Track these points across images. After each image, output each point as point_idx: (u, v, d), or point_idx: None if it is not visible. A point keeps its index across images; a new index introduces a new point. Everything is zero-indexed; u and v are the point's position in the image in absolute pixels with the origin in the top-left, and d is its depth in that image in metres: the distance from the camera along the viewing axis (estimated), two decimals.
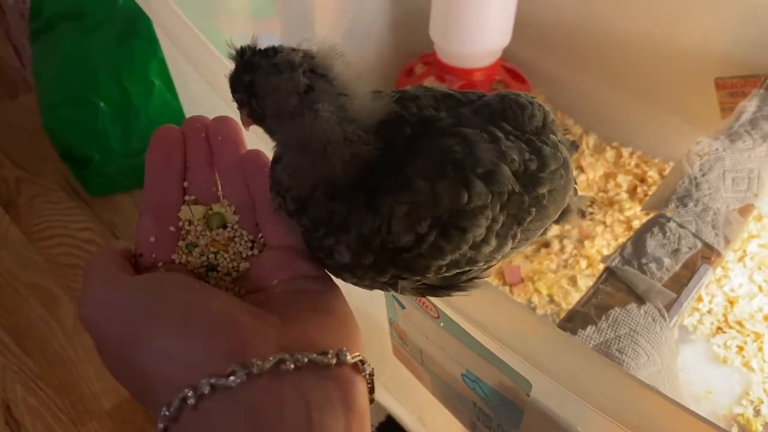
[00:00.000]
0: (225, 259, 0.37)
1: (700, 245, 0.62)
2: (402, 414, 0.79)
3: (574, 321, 0.54)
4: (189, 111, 0.92)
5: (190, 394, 0.27)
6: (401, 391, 0.76)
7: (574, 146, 0.43)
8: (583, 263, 0.88)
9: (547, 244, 0.91)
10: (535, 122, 0.38)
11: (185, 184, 0.38)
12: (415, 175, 0.33)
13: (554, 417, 0.43)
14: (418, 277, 0.35)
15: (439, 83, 1.05)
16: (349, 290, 0.37)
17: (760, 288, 0.83)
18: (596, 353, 0.38)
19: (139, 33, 1.08)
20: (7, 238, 1.12)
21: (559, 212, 0.40)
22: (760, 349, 0.78)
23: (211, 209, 0.38)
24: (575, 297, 0.84)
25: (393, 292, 0.38)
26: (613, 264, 0.60)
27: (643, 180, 0.99)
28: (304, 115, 0.31)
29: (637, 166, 1.02)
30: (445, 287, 0.37)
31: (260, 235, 0.38)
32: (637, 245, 0.62)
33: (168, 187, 0.37)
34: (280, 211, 0.36)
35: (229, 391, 0.27)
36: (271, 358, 0.28)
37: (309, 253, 0.36)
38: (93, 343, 0.32)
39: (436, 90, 0.38)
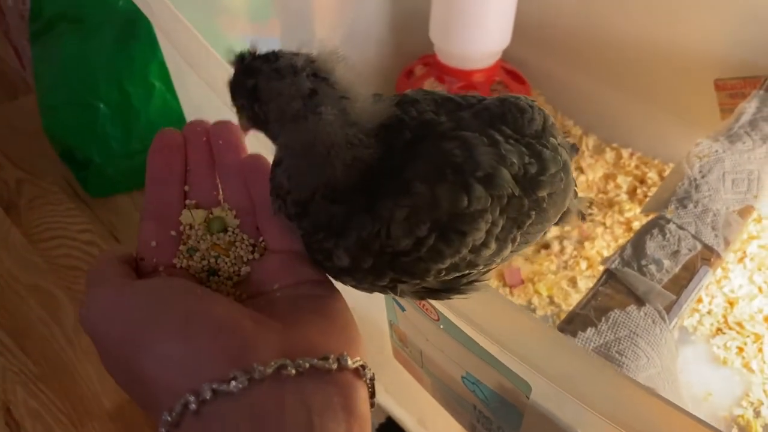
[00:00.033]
0: (226, 263, 0.37)
1: (699, 247, 0.62)
2: (402, 415, 0.79)
3: (573, 323, 0.54)
4: (189, 112, 0.92)
5: (192, 399, 0.27)
6: (401, 393, 0.76)
7: (574, 149, 0.43)
8: (583, 264, 0.88)
9: (547, 246, 0.91)
10: (534, 126, 0.38)
11: (186, 188, 0.38)
12: (415, 178, 0.33)
13: (554, 419, 0.43)
14: (418, 281, 0.35)
15: (439, 84, 1.05)
16: (349, 292, 0.37)
17: (760, 289, 0.83)
18: (595, 356, 0.38)
19: (139, 35, 1.08)
20: (8, 240, 1.13)
21: (559, 215, 0.40)
22: (760, 351, 0.78)
23: (211, 213, 0.38)
24: (575, 298, 0.84)
25: (393, 295, 0.38)
26: (613, 266, 0.60)
27: (642, 181, 1.00)
28: (307, 118, 0.31)
29: (636, 167, 1.02)
30: (445, 290, 0.37)
31: (261, 239, 0.38)
32: (636, 247, 0.62)
33: (169, 191, 0.38)
34: (279, 213, 0.36)
35: (231, 396, 0.27)
36: (272, 364, 0.28)
37: (309, 256, 0.36)
38: (93, 345, 0.32)
39: (436, 94, 0.38)
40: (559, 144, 0.39)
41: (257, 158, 0.38)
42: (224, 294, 0.36)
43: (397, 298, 0.49)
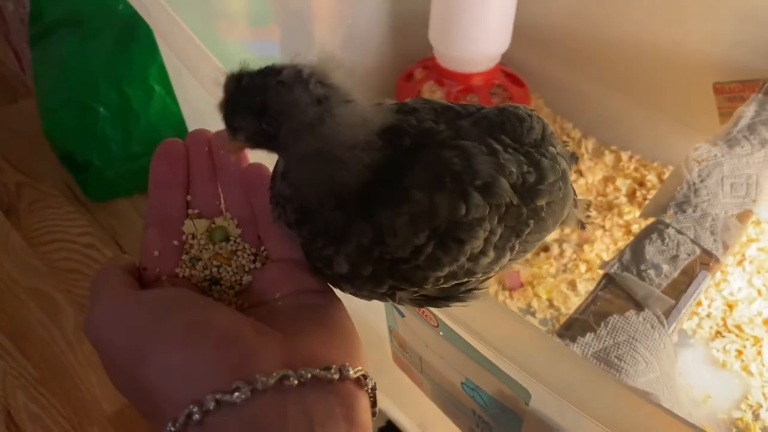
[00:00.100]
0: (228, 272, 0.37)
1: (698, 251, 0.63)
2: (402, 419, 0.79)
3: (573, 329, 0.54)
4: (188, 116, 0.92)
5: (195, 410, 0.27)
6: (402, 397, 0.76)
7: (573, 158, 0.43)
8: (583, 267, 0.88)
9: (546, 249, 0.91)
10: (533, 135, 0.38)
11: (188, 197, 0.39)
12: (414, 186, 0.33)
13: (553, 426, 0.44)
14: (416, 289, 0.35)
15: (438, 87, 1.05)
16: (349, 297, 0.37)
17: (759, 292, 0.83)
18: (593, 363, 0.39)
19: (138, 38, 1.08)
20: (8, 243, 1.13)
21: (558, 224, 0.40)
22: (759, 353, 0.78)
23: (214, 223, 0.38)
24: (575, 301, 0.84)
25: (392, 303, 0.38)
26: (612, 270, 0.60)
27: (642, 184, 1.00)
28: (324, 122, 0.31)
29: (636, 169, 1.02)
30: (444, 298, 0.38)
31: (263, 248, 0.38)
32: (635, 251, 0.62)
33: (172, 201, 0.38)
34: (279, 221, 0.36)
35: (234, 407, 0.28)
36: (274, 374, 0.28)
37: (308, 264, 0.36)
38: (93, 349, 0.32)
39: (435, 102, 0.39)
40: (557, 153, 0.39)
41: (258, 167, 0.38)
42: (226, 303, 0.36)
43: (396, 304, 0.49)
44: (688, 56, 0.94)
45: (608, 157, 1.04)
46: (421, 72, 1.10)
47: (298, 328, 0.32)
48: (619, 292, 0.58)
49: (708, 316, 0.82)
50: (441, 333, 0.47)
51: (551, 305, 0.85)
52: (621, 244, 0.90)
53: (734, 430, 0.73)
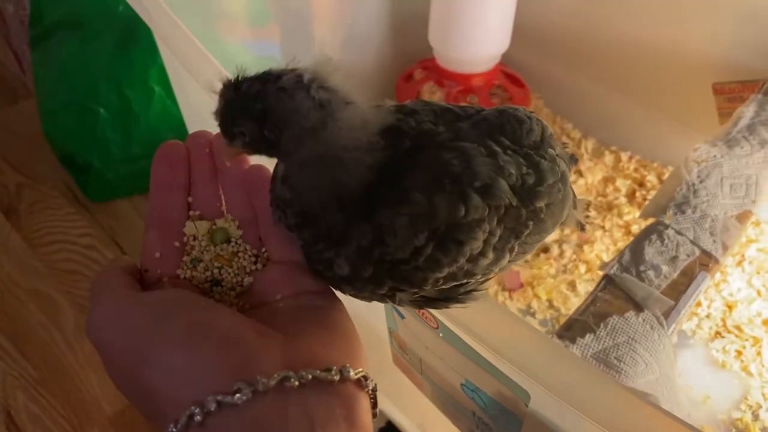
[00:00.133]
0: (229, 273, 0.37)
1: (698, 252, 0.63)
2: (402, 420, 0.79)
3: (572, 330, 0.55)
4: (188, 117, 0.92)
5: (197, 411, 0.27)
6: (402, 398, 0.76)
7: (573, 160, 0.43)
8: (582, 268, 0.88)
9: (546, 249, 0.91)
10: (533, 136, 0.39)
11: (190, 199, 0.39)
12: (413, 188, 0.33)
13: (553, 427, 0.44)
14: (416, 290, 0.35)
15: (438, 88, 1.05)
16: (349, 299, 0.37)
17: (758, 292, 0.83)
18: (593, 365, 0.39)
19: (139, 40, 1.08)
20: (8, 244, 1.13)
21: (557, 225, 0.40)
22: (759, 354, 0.78)
23: (215, 224, 0.38)
24: (574, 302, 0.84)
25: (392, 304, 0.38)
26: (612, 271, 0.60)
27: (641, 184, 1.00)
28: (327, 126, 0.31)
29: (635, 170, 1.02)
30: (443, 299, 0.38)
31: (264, 250, 0.38)
32: (635, 252, 0.62)
33: (173, 202, 0.38)
34: (279, 224, 0.36)
35: (235, 408, 0.28)
36: (275, 376, 0.29)
37: (308, 266, 0.36)
38: (93, 350, 0.32)
39: (434, 104, 0.39)
40: (557, 155, 0.39)
41: (260, 169, 0.38)
42: (227, 305, 0.36)
43: (396, 306, 0.49)
44: (688, 56, 0.94)
45: (608, 158, 1.04)
46: (420, 72, 1.10)
47: (298, 330, 0.32)
48: (618, 293, 0.59)
49: (707, 316, 0.82)
50: (441, 334, 0.47)
51: (551, 306, 0.85)
52: (621, 245, 0.90)
53: (734, 430, 0.73)
